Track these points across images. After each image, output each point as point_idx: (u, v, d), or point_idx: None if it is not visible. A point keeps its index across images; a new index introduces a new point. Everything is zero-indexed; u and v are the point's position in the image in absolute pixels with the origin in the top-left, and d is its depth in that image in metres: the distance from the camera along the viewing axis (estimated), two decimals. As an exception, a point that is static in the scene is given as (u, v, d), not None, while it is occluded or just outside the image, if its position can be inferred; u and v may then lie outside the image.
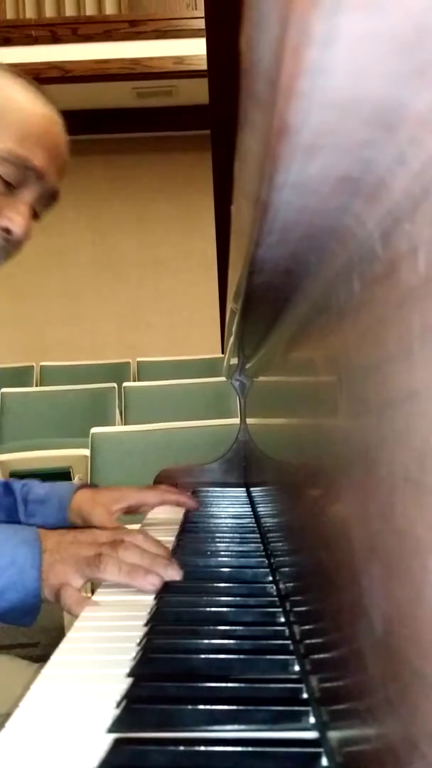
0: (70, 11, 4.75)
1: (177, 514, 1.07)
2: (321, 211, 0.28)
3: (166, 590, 0.67)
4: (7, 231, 0.81)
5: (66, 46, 4.46)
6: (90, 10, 4.76)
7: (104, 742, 0.40)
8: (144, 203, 5.55)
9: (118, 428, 2.49)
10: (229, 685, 0.47)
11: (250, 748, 0.39)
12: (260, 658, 0.51)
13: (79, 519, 0.97)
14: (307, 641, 0.49)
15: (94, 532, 0.76)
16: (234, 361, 1.19)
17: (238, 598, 0.65)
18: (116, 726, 0.41)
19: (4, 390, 3.47)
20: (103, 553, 0.70)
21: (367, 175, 0.24)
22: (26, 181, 0.81)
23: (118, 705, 0.44)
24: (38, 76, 4.11)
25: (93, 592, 0.70)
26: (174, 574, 0.70)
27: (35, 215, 0.85)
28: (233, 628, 0.57)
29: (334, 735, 0.37)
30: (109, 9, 4.74)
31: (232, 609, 0.62)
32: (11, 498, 1.00)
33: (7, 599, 0.68)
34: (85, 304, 5.54)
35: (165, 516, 1.08)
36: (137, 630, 0.58)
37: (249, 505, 1.11)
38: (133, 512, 1.03)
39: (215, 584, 0.70)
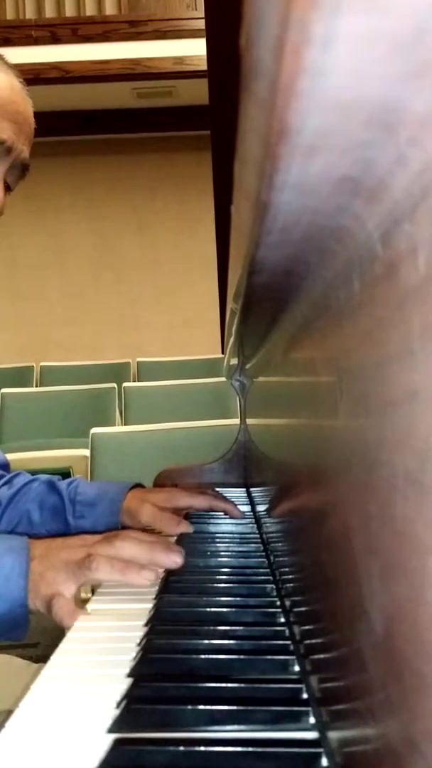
0: (70, 12, 4.75)
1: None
2: (321, 212, 0.28)
3: (166, 590, 0.67)
4: None
5: (66, 46, 4.47)
6: (90, 10, 4.76)
7: (104, 742, 0.40)
8: (144, 203, 5.56)
9: (118, 428, 2.49)
10: (229, 685, 0.47)
11: (250, 749, 0.39)
12: (260, 659, 0.51)
13: (128, 518, 0.94)
14: (307, 641, 0.49)
15: (83, 536, 0.74)
16: (234, 361, 1.19)
17: (238, 598, 0.65)
18: (116, 726, 0.41)
19: (4, 390, 3.47)
20: (93, 552, 0.67)
21: (367, 175, 0.24)
22: None
23: (118, 705, 0.44)
24: (38, 77, 4.11)
25: (93, 592, 0.70)
26: (176, 558, 0.68)
27: (7, 188, 0.83)
28: (233, 628, 0.57)
29: (334, 735, 0.37)
30: (109, 9, 4.75)
31: (232, 609, 0.62)
32: (57, 497, 0.97)
33: None
34: (85, 304, 5.55)
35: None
36: (137, 630, 0.58)
37: (249, 506, 1.11)
38: (179, 515, 1.01)
39: (215, 584, 0.70)
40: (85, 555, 0.67)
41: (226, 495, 1.21)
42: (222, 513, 1.03)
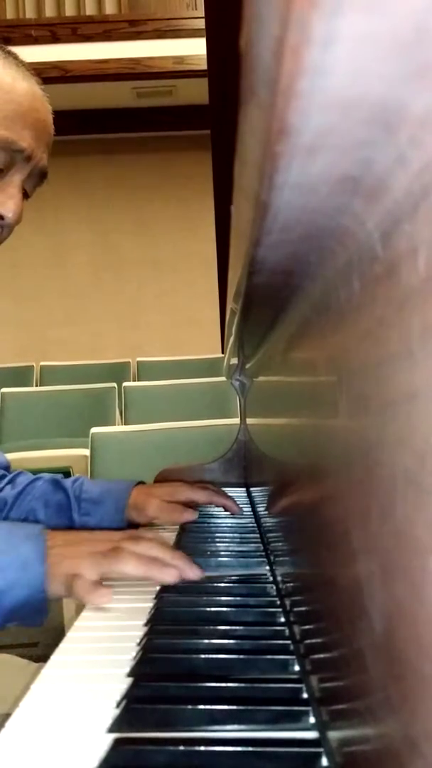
0: (69, 11, 4.75)
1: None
2: (321, 211, 0.28)
3: (166, 590, 0.67)
4: (0, 217, 0.80)
5: (66, 45, 4.47)
6: (90, 9, 4.76)
7: (104, 742, 0.40)
8: (144, 203, 5.55)
9: (118, 428, 2.49)
10: (229, 685, 0.47)
11: (250, 748, 0.39)
12: (260, 658, 0.51)
13: (135, 513, 0.96)
14: (307, 641, 0.49)
15: (109, 532, 0.75)
16: (234, 361, 1.19)
17: (238, 598, 0.65)
18: (116, 726, 0.41)
19: (4, 390, 3.47)
20: (120, 546, 0.68)
21: (367, 175, 0.24)
22: (14, 163, 0.79)
23: (118, 705, 0.44)
24: (38, 76, 4.10)
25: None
26: (197, 572, 0.69)
27: (25, 195, 0.83)
28: (233, 627, 0.57)
29: (334, 735, 0.37)
30: (109, 9, 4.74)
31: (232, 609, 0.62)
32: (62, 494, 0.98)
33: (14, 596, 0.66)
34: (85, 304, 5.54)
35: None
36: (137, 630, 0.58)
37: (249, 505, 1.11)
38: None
39: (215, 584, 0.70)
40: (111, 548, 0.68)
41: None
42: (221, 509, 1.04)
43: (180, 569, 0.68)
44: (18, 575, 0.66)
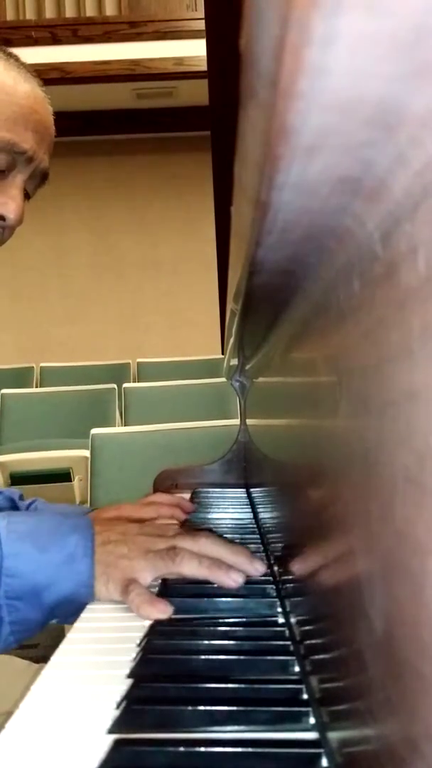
0: (70, 12, 4.76)
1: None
2: (321, 212, 0.28)
3: (166, 591, 0.67)
4: (2, 218, 0.80)
5: (66, 47, 4.47)
6: (90, 11, 4.76)
7: (104, 743, 0.40)
8: (144, 204, 5.56)
9: (118, 429, 2.49)
10: (229, 685, 0.47)
11: (250, 749, 0.39)
12: (260, 659, 0.51)
13: None
14: (307, 642, 0.49)
15: (158, 524, 0.71)
16: (234, 361, 1.19)
17: (238, 599, 0.65)
18: (116, 727, 0.41)
19: (4, 391, 3.47)
20: (179, 545, 0.65)
21: (367, 175, 0.24)
22: (16, 164, 0.79)
23: (118, 706, 0.44)
24: (38, 78, 4.11)
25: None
26: (259, 567, 0.66)
27: (26, 196, 0.83)
28: (233, 628, 0.57)
29: (334, 736, 0.37)
30: (109, 10, 4.75)
31: (232, 609, 0.62)
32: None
33: (58, 591, 0.63)
34: (85, 304, 5.55)
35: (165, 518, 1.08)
36: (137, 631, 0.58)
37: (249, 506, 1.11)
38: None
39: (215, 584, 0.70)
40: (168, 547, 0.65)
41: (225, 495, 1.20)
42: (221, 508, 1.02)
43: (243, 568, 0.65)
44: (62, 570, 0.63)
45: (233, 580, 0.63)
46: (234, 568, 0.64)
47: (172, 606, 0.60)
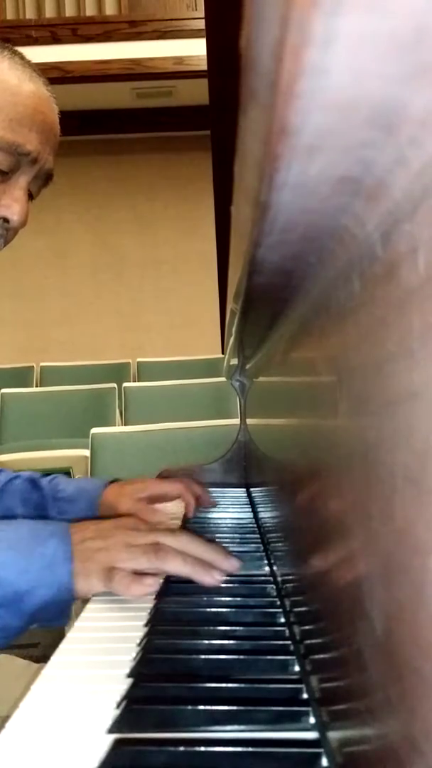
0: (70, 12, 4.75)
1: (178, 509, 1.07)
2: (321, 212, 0.28)
3: (166, 591, 0.67)
4: (5, 219, 0.79)
5: (66, 46, 4.47)
6: (90, 10, 4.76)
7: (104, 742, 0.40)
8: (144, 203, 5.56)
9: (118, 429, 2.49)
10: (229, 685, 0.47)
11: (250, 749, 0.39)
12: (260, 659, 0.51)
13: (106, 511, 0.97)
14: (307, 641, 0.49)
15: (132, 520, 0.73)
16: (234, 361, 1.20)
17: (238, 598, 0.65)
18: (116, 726, 0.41)
19: (4, 390, 3.47)
20: (161, 541, 0.66)
21: (367, 175, 0.24)
22: (20, 165, 0.78)
23: (118, 705, 0.44)
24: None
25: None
26: (234, 563, 0.67)
27: (30, 196, 0.82)
28: (233, 628, 0.57)
29: (334, 735, 0.37)
30: (109, 9, 4.75)
31: (233, 609, 0.62)
32: (39, 493, 0.99)
33: (39, 596, 0.63)
34: (85, 304, 5.55)
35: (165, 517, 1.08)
36: (137, 630, 0.58)
37: (249, 506, 1.11)
38: (155, 503, 1.03)
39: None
40: (150, 542, 0.66)
41: (226, 495, 1.21)
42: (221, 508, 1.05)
43: (219, 565, 0.66)
44: (42, 575, 0.64)
45: (215, 579, 0.65)
46: (215, 567, 0.66)
47: (159, 578, 0.61)
